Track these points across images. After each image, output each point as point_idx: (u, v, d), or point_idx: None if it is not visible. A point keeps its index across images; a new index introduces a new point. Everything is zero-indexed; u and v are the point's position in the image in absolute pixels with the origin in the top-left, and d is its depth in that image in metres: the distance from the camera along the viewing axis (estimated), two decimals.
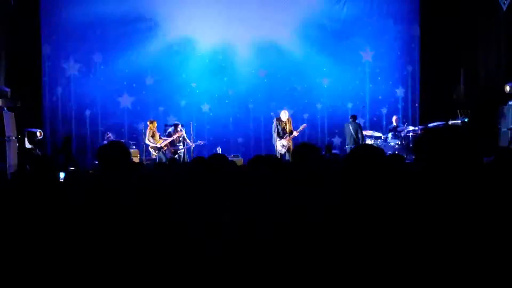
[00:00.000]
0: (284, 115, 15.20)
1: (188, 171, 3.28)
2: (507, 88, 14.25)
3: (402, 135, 15.89)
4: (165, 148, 15.13)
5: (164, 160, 14.70)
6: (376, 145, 14.84)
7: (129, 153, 4.27)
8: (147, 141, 15.16)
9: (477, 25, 16.02)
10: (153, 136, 15.09)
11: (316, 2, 17.68)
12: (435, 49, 17.31)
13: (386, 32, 17.87)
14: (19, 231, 3.69)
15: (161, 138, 15.25)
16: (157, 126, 15.39)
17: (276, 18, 17.50)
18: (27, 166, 7.02)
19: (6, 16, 14.91)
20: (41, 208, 3.87)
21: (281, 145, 15.01)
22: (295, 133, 15.13)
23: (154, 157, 15.12)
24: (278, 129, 15.05)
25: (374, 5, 17.82)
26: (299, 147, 4.51)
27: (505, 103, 14.32)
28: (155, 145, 15.01)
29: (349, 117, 16.11)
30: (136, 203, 3.38)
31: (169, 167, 6.76)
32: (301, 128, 15.43)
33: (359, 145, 2.74)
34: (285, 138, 15.01)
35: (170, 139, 15.28)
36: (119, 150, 4.17)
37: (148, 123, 15.25)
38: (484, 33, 15.79)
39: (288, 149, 14.90)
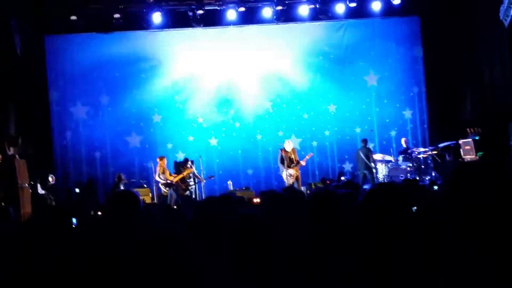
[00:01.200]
0: (289, 145, 15.43)
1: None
2: None
3: (413, 156, 15.83)
4: (176, 184, 15.15)
5: (175, 196, 14.71)
6: (388, 169, 14.87)
7: (139, 203, 4.28)
8: (157, 178, 15.22)
9: (480, 42, 16.02)
10: (163, 172, 15.13)
11: (316, 31, 17.77)
12: (440, 68, 17.34)
13: (389, 55, 17.92)
14: (30, 279, 3.70)
15: (172, 175, 15.28)
16: (167, 163, 15.43)
17: (278, 48, 17.64)
18: (40, 215, 7.02)
19: (13, 65, 15.06)
20: (52, 257, 3.87)
21: (288, 175, 15.11)
22: (302, 163, 15.29)
23: (164, 194, 15.13)
24: (284, 160, 15.16)
25: (375, 29, 17.90)
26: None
27: None
28: (166, 181, 15.04)
29: (360, 141, 16.14)
30: (137, 256, 3.40)
31: (178, 212, 6.75)
32: (307, 157, 15.65)
33: (376, 187, 2.68)
34: (292, 167, 15.10)
35: (181, 175, 15.31)
36: (128, 200, 4.19)
37: (158, 160, 15.33)
38: (487, 49, 15.78)
39: (296, 178, 15.07)
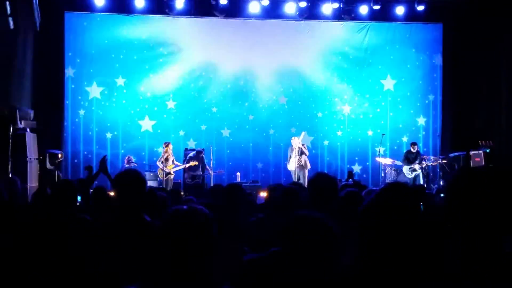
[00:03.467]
0: (294, 141, 15.54)
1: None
2: None
3: (423, 164, 15.77)
4: (173, 175, 15.21)
5: (168, 187, 14.62)
6: (396, 174, 14.83)
7: (144, 183, 4.28)
8: (158, 163, 15.29)
9: (501, 55, 15.91)
10: (167, 159, 15.16)
11: (339, 30, 17.73)
12: (458, 78, 17.27)
13: (408, 60, 17.85)
14: (36, 251, 3.70)
15: (174, 163, 15.31)
16: (177, 150, 15.45)
17: (298, 45, 17.59)
18: (48, 189, 7.04)
19: (31, 39, 15.12)
20: (58, 231, 3.87)
21: (297, 163, 15.39)
22: (304, 150, 15.40)
23: (161, 177, 15.13)
24: (291, 154, 15.48)
25: (396, 34, 17.83)
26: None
27: None
28: (164, 169, 15.09)
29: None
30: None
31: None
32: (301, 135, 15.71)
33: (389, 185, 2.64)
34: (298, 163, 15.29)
35: (181, 166, 15.43)
36: (135, 180, 4.21)
37: (163, 145, 15.37)
38: (508, 63, 15.67)
39: (300, 167, 15.25)
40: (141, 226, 3.98)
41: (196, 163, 15.55)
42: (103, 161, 6.45)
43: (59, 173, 14.96)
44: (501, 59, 15.96)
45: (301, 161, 15.38)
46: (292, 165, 15.47)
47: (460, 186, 2.31)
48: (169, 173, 15.18)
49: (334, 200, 4.52)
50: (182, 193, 13.91)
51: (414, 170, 15.73)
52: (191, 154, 15.80)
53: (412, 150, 16.05)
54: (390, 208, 2.36)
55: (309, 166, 15.48)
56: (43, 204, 5.85)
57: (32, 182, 12.96)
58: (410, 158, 15.93)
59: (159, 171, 15.23)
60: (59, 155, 15.25)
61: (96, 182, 7.05)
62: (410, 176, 15.69)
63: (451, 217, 2.31)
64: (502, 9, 15.35)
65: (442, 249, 2.34)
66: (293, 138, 15.71)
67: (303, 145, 15.50)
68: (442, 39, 17.78)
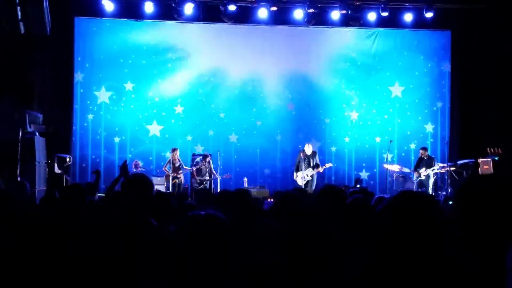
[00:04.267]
0: (308, 148, 15.63)
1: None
2: None
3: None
4: (178, 180, 15.31)
5: (176, 191, 14.73)
6: (404, 180, 14.82)
7: (152, 188, 4.31)
8: (164, 169, 15.37)
9: (509, 62, 15.89)
10: (174, 165, 15.25)
11: (347, 36, 17.75)
12: (466, 85, 17.24)
13: (416, 67, 17.84)
14: (43, 256, 3.73)
15: (181, 168, 15.39)
16: (185, 155, 15.50)
17: (306, 51, 17.63)
18: (56, 192, 7.09)
19: (42, 44, 15.20)
20: (66, 234, 3.91)
21: (302, 177, 15.40)
22: (320, 169, 15.52)
23: (167, 183, 15.21)
24: (300, 162, 15.46)
25: (404, 40, 17.84)
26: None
27: None
28: (169, 174, 15.18)
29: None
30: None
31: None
32: (326, 165, 15.80)
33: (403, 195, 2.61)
34: (311, 169, 15.28)
35: (187, 169, 15.60)
36: (143, 184, 4.24)
37: (170, 151, 15.47)
38: None
39: (307, 183, 15.25)
40: (149, 230, 4.01)
41: (201, 167, 15.60)
42: (124, 165, 6.49)
43: (67, 177, 15.04)
44: (509, 66, 15.92)
45: (313, 174, 15.50)
46: (300, 180, 15.50)
47: (469, 193, 2.33)
48: (176, 178, 15.26)
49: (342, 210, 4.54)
50: (189, 198, 14.02)
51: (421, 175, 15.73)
52: (198, 159, 15.85)
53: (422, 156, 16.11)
54: (408, 213, 2.36)
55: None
56: (52, 208, 5.89)
57: (41, 186, 13.04)
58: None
59: (165, 176, 15.29)
60: (67, 159, 15.34)
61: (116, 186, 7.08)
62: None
63: (459, 224, 2.32)
64: (510, 16, 15.35)
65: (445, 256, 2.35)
66: (308, 145, 15.80)
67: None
68: (450, 46, 17.77)
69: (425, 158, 15.82)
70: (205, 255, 2.45)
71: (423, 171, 15.66)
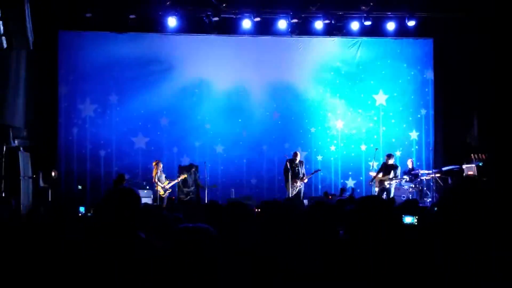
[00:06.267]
0: (296, 157, 15.59)
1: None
2: None
3: (419, 178, 15.85)
4: (169, 190, 15.28)
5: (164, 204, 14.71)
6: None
7: (138, 201, 4.29)
8: (154, 182, 15.30)
9: (491, 68, 16.03)
10: (159, 177, 15.22)
11: (330, 45, 17.85)
12: (449, 92, 17.37)
13: (400, 75, 17.97)
14: (29, 270, 3.71)
15: (167, 179, 15.37)
16: (171, 167, 15.46)
17: (291, 61, 17.70)
18: (41, 208, 7.04)
19: (24, 57, 15.13)
20: (51, 249, 3.89)
21: (292, 186, 15.32)
22: (305, 179, 15.55)
23: (162, 195, 15.17)
24: (290, 171, 15.29)
25: (387, 49, 17.97)
26: None
27: None
28: (162, 186, 15.14)
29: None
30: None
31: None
32: (313, 172, 15.79)
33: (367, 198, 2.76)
34: (298, 179, 15.29)
35: (175, 181, 15.56)
36: (129, 197, 4.21)
37: (153, 164, 15.40)
38: (499, 76, 15.79)
39: (298, 191, 15.22)
40: (137, 243, 3.99)
41: (186, 175, 15.56)
42: (118, 180, 6.44)
43: (52, 192, 14.91)
44: (491, 73, 16.06)
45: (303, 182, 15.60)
46: (290, 190, 15.43)
47: (452, 199, 2.36)
48: (167, 190, 15.22)
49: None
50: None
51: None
52: (184, 171, 15.84)
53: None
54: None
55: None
56: (37, 223, 5.85)
57: (26, 201, 12.93)
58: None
59: (157, 188, 15.23)
60: (53, 173, 15.23)
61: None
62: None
63: (443, 229, 2.35)
64: (491, 24, 15.53)
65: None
66: (297, 152, 15.85)
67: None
68: (433, 53, 17.92)
69: (388, 165, 15.78)
70: (194, 268, 2.45)
71: (379, 177, 15.69)
